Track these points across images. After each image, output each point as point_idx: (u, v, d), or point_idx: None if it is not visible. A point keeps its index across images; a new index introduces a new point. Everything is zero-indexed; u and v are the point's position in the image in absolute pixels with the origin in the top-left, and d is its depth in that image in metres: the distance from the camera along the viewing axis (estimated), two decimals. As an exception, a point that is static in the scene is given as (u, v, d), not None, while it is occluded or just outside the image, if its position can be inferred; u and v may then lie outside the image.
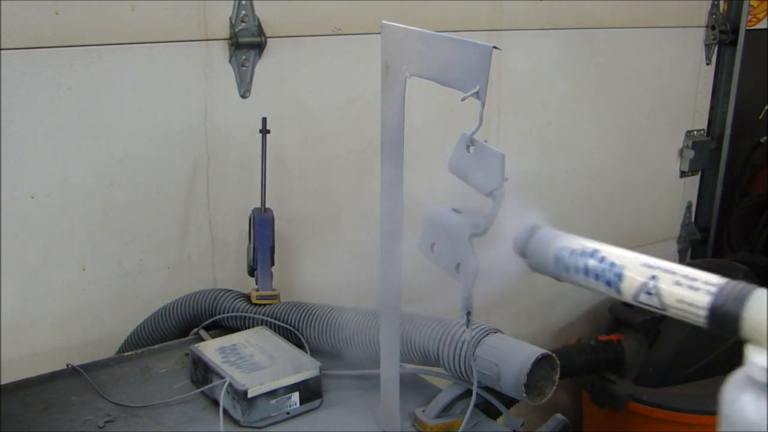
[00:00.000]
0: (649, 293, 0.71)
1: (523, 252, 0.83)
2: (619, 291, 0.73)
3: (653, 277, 0.71)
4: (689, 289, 0.69)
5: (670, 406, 2.00)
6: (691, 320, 0.69)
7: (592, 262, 0.75)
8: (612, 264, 0.74)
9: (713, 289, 0.67)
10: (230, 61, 1.65)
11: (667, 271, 0.71)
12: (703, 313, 0.67)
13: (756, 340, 0.65)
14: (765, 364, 0.63)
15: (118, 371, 1.37)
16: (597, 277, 0.75)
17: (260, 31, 1.64)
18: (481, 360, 1.16)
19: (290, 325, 1.41)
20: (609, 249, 0.76)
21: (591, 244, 0.77)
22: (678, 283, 0.70)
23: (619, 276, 0.73)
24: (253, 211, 1.53)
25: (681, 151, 2.55)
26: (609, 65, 2.27)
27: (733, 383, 0.65)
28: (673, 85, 2.46)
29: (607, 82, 2.29)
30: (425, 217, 0.96)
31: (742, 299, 0.66)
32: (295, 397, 1.23)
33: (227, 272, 1.74)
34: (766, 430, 0.62)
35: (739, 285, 0.67)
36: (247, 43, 1.64)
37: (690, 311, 0.68)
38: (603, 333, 2.21)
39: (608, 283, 0.74)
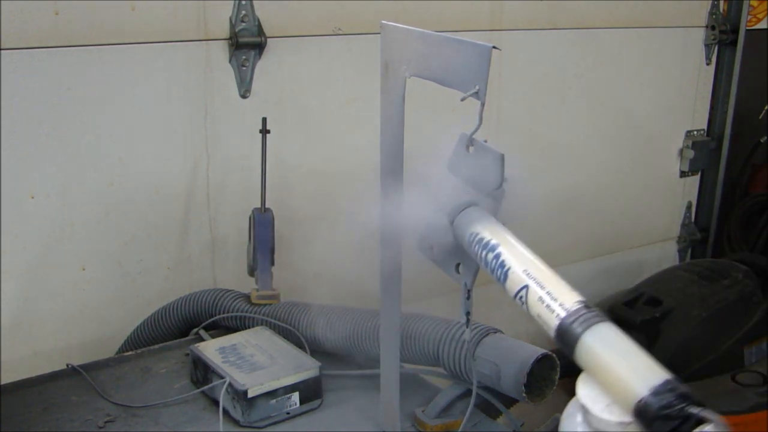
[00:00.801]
0: (521, 300, 0.74)
1: (451, 222, 0.83)
2: (505, 290, 0.76)
3: (525, 287, 0.74)
4: (546, 308, 0.72)
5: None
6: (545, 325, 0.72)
7: (489, 256, 0.77)
8: (502, 263, 0.76)
9: (562, 314, 0.70)
10: (230, 61, 1.65)
11: (539, 284, 0.73)
12: (552, 332, 0.70)
13: (585, 370, 0.68)
14: (586, 393, 0.67)
15: (118, 371, 1.37)
16: (492, 271, 0.77)
17: (260, 31, 1.64)
18: (481, 360, 1.16)
19: (290, 325, 1.41)
20: (512, 246, 0.78)
21: (498, 238, 0.78)
22: (540, 299, 0.72)
23: (505, 277, 0.76)
24: (253, 211, 1.53)
25: (681, 151, 2.55)
26: (609, 65, 2.27)
27: (568, 408, 0.71)
28: (673, 85, 2.47)
29: (607, 82, 2.29)
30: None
31: (582, 329, 0.68)
32: (295, 397, 1.23)
33: (227, 272, 1.74)
34: None
35: (589, 315, 0.69)
36: (247, 43, 1.64)
37: (544, 327, 0.71)
38: (603, 333, 2.21)
39: (498, 280, 0.76)
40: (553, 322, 0.70)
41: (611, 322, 0.70)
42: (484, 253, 0.78)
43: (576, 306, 0.70)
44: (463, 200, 0.84)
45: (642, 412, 0.62)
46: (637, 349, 0.67)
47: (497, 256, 0.77)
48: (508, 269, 0.75)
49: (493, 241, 0.78)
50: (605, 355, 0.67)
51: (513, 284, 0.75)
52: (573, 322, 0.69)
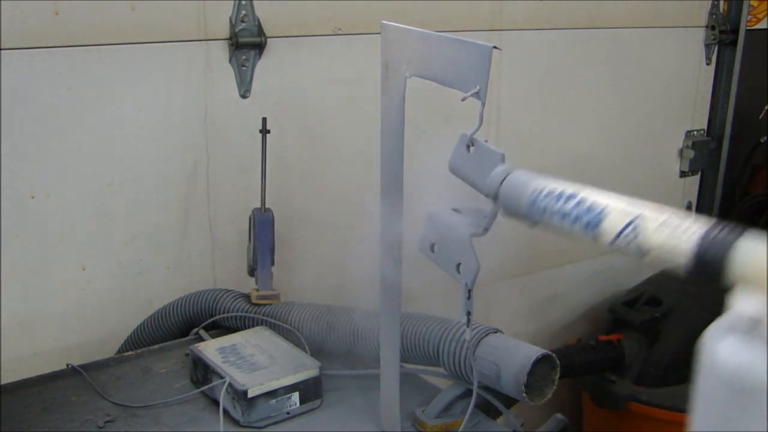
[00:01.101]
0: (627, 238, 0.67)
1: (495, 196, 0.78)
2: (596, 235, 0.69)
3: (636, 219, 0.67)
4: (673, 232, 0.65)
5: (670, 406, 2.00)
6: (671, 265, 0.66)
7: (570, 205, 0.71)
8: (591, 207, 0.69)
9: (702, 229, 0.63)
10: (230, 61, 1.65)
11: (650, 215, 0.67)
12: (687, 254, 0.64)
13: (743, 286, 0.60)
14: (751, 310, 0.59)
15: (118, 371, 1.37)
16: (575, 220, 0.70)
17: (260, 31, 1.64)
18: (481, 360, 1.16)
19: (290, 325, 1.41)
20: (588, 192, 0.72)
21: (572, 188, 0.73)
22: (663, 224, 0.66)
23: (599, 219, 0.69)
24: (253, 211, 1.53)
25: (681, 151, 2.55)
26: (609, 65, 2.27)
27: (713, 332, 0.61)
28: (673, 85, 2.47)
29: (607, 82, 2.29)
30: (425, 218, 0.96)
31: (735, 237, 0.61)
32: (295, 397, 1.23)
33: (227, 272, 1.74)
34: (743, 375, 0.57)
35: (729, 226, 0.62)
36: (247, 43, 1.64)
37: (667, 256, 0.65)
38: (603, 333, 2.21)
39: (587, 227, 0.69)
40: (689, 242, 0.63)
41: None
42: (560, 204, 0.71)
43: (708, 223, 0.63)
44: (498, 170, 0.79)
45: None
46: None
47: (581, 202, 0.70)
48: (604, 209, 0.69)
49: (570, 190, 0.71)
50: None
51: (615, 223, 0.68)
52: (720, 232, 0.62)
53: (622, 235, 0.66)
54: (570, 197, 0.71)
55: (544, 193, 0.73)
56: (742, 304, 0.60)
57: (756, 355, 0.56)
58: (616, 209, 0.68)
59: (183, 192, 1.66)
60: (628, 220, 0.66)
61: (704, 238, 0.62)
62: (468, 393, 1.19)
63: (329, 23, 1.75)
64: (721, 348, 0.60)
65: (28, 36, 1.42)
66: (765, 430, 0.55)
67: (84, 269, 1.58)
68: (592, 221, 0.68)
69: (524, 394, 1.10)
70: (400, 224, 1.01)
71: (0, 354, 1.48)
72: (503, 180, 0.77)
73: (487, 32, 1.97)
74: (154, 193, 1.63)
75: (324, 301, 1.46)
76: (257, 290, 1.48)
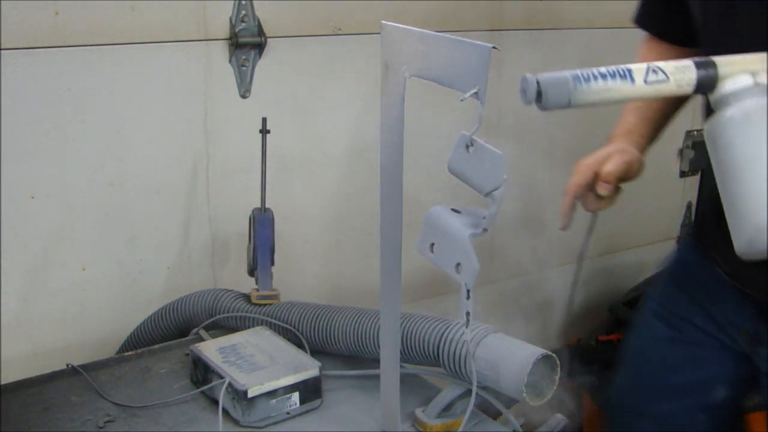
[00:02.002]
0: (654, 72, 0.89)
1: (538, 94, 0.89)
2: (632, 78, 0.89)
3: (659, 66, 0.90)
4: (682, 67, 0.90)
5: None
6: (685, 82, 0.90)
7: (603, 70, 0.90)
8: (619, 67, 0.91)
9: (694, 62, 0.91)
10: (230, 61, 1.65)
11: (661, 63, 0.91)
12: (693, 69, 0.90)
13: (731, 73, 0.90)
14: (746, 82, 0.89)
15: (118, 371, 1.37)
16: (613, 75, 0.89)
17: (260, 31, 1.64)
18: (481, 360, 1.16)
19: (290, 325, 1.41)
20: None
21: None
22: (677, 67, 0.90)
23: (629, 70, 0.90)
24: (253, 211, 1.53)
25: (681, 151, 2.55)
26: (609, 65, 2.27)
27: (714, 118, 0.90)
28: (673, 85, 2.46)
29: (607, 82, 2.29)
30: (424, 217, 0.96)
31: (711, 63, 0.90)
32: (295, 397, 1.23)
33: (227, 272, 1.74)
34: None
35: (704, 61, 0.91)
36: (247, 43, 1.64)
37: (684, 71, 0.90)
38: (603, 333, 2.21)
39: (623, 76, 0.89)
40: (691, 73, 0.90)
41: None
42: (597, 72, 0.90)
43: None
44: (531, 82, 0.89)
45: None
46: None
47: (609, 67, 0.91)
48: (628, 67, 0.91)
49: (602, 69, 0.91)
50: None
51: (640, 68, 0.90)
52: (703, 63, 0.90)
53: (649, 72, 0.89)
54: (597, 70, 0.90)
55: (583, 70, 0.90)
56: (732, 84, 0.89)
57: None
58: (635, 65, 0.91)
59: (183, 192, 1.66)
60: (647, 66, 0.90)
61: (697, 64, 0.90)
62: (468, 393, 1.19)
63: (329, 23, 1.75)
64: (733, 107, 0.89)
65: (28, 36, 1.42)
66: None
67: (84, 269, 1.58)
68: (624, 72, 0.90)
69: (524, 394, 1.10)
70: (400, 224, 1.01)
71: (0, 354, 1.49)
72: (539, 82, 0.88)
73: (487, 32, 1.97)
74: (154, 193, 1.63)
75: (324, 301, 1.46)
76: (257, 290, 1.48)
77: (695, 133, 2.55)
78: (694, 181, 2.64)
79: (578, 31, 2.17)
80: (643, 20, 1.51)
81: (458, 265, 0.90)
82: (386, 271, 1.06)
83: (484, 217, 0.86)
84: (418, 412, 1.21)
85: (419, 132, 1.86)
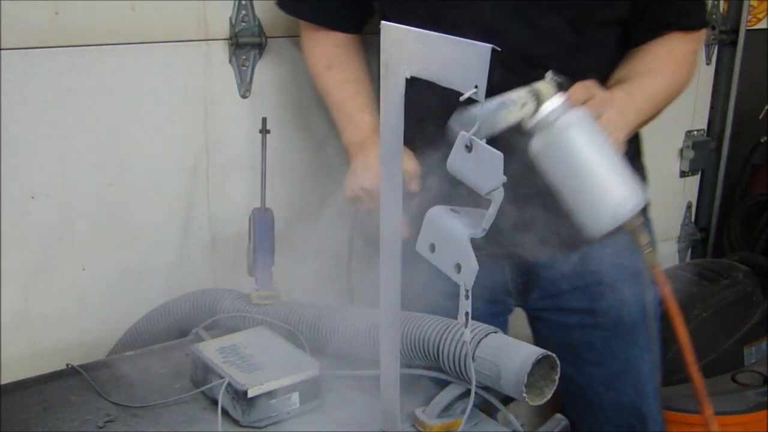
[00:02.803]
0: (524, 104, 1.04)
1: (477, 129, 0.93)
2: (516, 110, 1.04)
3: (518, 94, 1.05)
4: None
5: (670, 406, 2.00)
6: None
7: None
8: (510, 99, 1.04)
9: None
10: (230, 61, 1.65)
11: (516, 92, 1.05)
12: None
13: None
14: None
15: (118, 371, 1.37)
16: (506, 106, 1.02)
17: (260, 31, 1.64)
18: (481, 360, 1.16)
19: (290, 325, 1.41)
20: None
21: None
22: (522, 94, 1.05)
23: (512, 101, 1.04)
24: (253, 211, 1.53)
25: (681, 151, 2.55)
26: (609, 65, 2.27)
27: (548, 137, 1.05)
28: (673, 85, 2.46)
29: (607, 82, 2.29)
30: (424, 218, 0.96)
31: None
32: (295, 397, 1.23)
33: (227, 272, 1.74)
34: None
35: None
36: (247, 43, 1.64)
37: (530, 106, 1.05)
38: (603, 333, 2.21)
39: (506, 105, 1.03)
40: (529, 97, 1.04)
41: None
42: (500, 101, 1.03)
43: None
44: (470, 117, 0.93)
45: None
46: None
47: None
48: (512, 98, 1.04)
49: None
50: None
51: (518, 99, 1.04)
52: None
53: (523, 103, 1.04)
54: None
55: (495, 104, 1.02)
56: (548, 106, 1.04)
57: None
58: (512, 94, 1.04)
59: (183, 192, 1.66)
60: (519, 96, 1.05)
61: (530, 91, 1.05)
62: (468, 393, 1.19)
63: (329, 23, 1.74)
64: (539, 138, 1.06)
65: (28, 36, 1.42)
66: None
67: (84, 269, 1.58)
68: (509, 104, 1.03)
69: (524, 394, 1.10)
70: (400, 224, 1.01)
71: (0, 354, 1.49)
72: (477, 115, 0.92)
73: (487, 32, 1.97)
74: (154, 193, 1.63)
75: (324, 301, 1.46)
76: (257, 290, 1.48)
77: (695, 133, 2.56)
78: (694, 181, 2.64)
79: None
80: (302, 8, 1.55)
81: (457, 265, 0.90)
82: (386, 271, 1.05)
83: (484, 218, 0.86)
84: (418, 412, 1.21)
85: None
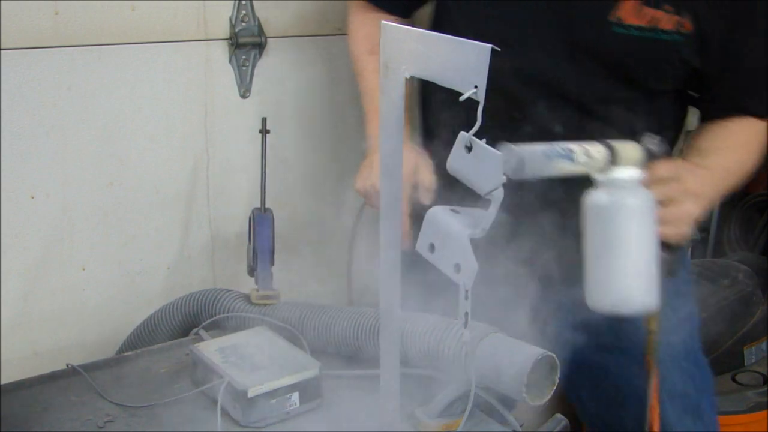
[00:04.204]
0: (586, 154, 1.01)
1: (519, 170, 0.95)
2: (575, 161, 1.00)
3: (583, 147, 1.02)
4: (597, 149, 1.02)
5: None
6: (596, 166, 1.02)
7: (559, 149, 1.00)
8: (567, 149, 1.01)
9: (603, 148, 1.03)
10: (230, 61, 1.65)
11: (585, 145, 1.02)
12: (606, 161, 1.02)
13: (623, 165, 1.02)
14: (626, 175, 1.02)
15: (118, 371, 1.37)
16: (563, 156, 0.99)
17: (260, 31, 1.64)
18: (481, 360, 1.16)
19: (290, 325, 1.41)
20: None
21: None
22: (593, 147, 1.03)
23: (572, 152, 1.00)
24: (253, 211, 1.53)
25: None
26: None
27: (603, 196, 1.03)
28: (674, 84, 2.46)
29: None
30: (424, 218, 0.96)
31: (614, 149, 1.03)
32: (295, 397, 1.23)
33: (227, 272, 1.74)
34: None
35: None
36: (247, 43, 1.64)
37: (601, 163, 1.02)
38: (603, 333, 2.21)
39: (570, 159, 1.00)
40: (603, 153, 1.01)
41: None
42: (555, 151, 1.00)
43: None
44: (514, 154, 0.94)
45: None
46: None
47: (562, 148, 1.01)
48: (570, 149, 1.00)
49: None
50: None
51: (580, 153, 1.00)
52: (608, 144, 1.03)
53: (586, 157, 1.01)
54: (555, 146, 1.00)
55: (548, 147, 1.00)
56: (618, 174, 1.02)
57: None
58: (573, 146, 1.01)
59: (183, 192, 1.66)
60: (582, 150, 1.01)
61: (606, 148, 1.02)
62: (468, 393, 1.19)
63: (329, 23, 1.75)
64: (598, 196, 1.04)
65: (28, 36, 1.42)
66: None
67: (84, 269, 1.58)
68: (571, 156, 1.00)
69: (524, 394, 1.10)
70: (400, 224, 1.01)
71: (0, 354, 1.49)
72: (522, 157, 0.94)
73: (487, 32, 1.97)
74: (154, 193, 1.63)
75: (324, 301, 1.46)
76: (257, 290, 1.48)
77: (696, 133, 2.55)
78: (695, 181, 2.63)
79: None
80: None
81: (457, 265, 0.90)
82: (386, 271, 1.05)
83: (484, 218, 0.86)
84: (418, 412, 1.21)
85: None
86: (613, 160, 1.01)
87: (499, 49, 0.79)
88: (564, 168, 0.98)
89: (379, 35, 1.49)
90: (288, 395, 1.22)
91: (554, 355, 1.13)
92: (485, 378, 1.16)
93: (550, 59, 1.31)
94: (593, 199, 1.03)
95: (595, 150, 1.01)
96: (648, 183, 1.04)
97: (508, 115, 1.27)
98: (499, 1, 1.33)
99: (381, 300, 1.08)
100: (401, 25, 0.93)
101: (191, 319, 1.52)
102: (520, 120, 1.25)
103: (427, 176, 1.32)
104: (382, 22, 0.95)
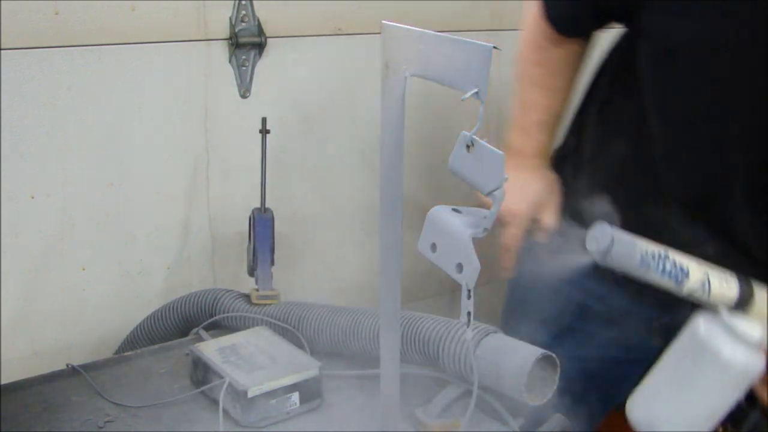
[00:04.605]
0: (704, 289, 0.97)
1: (605, 253, 0.94)
2: (682, 286, 0.98)
3: (707, 279, 0.98)
4: (726, 286, 0.99)
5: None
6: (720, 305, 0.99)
7: (668, 264, 0.97)
8: (681, 267, 0.98)
9: (736, 284, 1.00)
10: (230, 61, 1.65)
11: (709, 274, 0.99)
12: (733, 301, 0.98)
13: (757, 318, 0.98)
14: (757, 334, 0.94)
15: (118, 371, 1.37)
16: (669, 275, 0.97)
17: (260, 31, 1.64)
18: (481, 360, 1.16)
19: (290, 325, 1.41)
20: (672, 251, 0.99)
21: (660, 248, 0.99)
22: (721, 282, 0.99)
23: (686, 276, 0.97)
24: (253, 211, 1.53)
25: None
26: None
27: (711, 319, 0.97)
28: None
29: (607, 82, 2.29)
30: (425, 217, 0.96)
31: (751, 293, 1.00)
32: (295, 397, 1.23)
33: (227, 272, 1.74)
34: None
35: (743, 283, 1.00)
36: (247, 43, 1.64)
37: (723, 301, 0.98)
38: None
39: (677, 280, 0.97)
40: (733, 293, 0.98)
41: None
42: (662, 264, 0.97)
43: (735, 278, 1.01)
44: (602, 231, 0.95)
45: None
46: None
47: (674, 263, 0.98)
48: (688, 270, 0.98)
49: (662, 251, 0.98)
50: None
51: (696, 280, 0.98)
52: (747, 283, 1.00)
53: (702, 288, 0.98)
54: (665, 258, 0.98)
55: (648, 253, 0.97)
56: (749, 329, 0.94)
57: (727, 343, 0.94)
58: (694, 269, 0.99)
59: (183, 192, 1.66)
60: (702, 280, 0.98)
61: (740, 286, 0.99)
62: (468, 393, 1.19)
63: (329, 23, 1.75)
64: (708, 329, 0.97)
65: (28, 36, 1.42)
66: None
67: (84, 269, 1.58)
68: (679, 277, 0.97)
69: (524, 394, 1.10)
70: (400, 224, 1.01)
71: (0, 354, 1.49)
72: (612, 241, 0.94)
73: (487, 32, 1.97)
74: (154, 193, 1.63)
75: (324, 301, 1.46)
76: (257, 290, 1.48)
77: (695, 133, 2.55)
78: (694, 181, 2.63)
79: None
80: (565, 24, 1.41)
81: (459, 265, 0.90)
82: (386, 271, 1.06)
83: (485, 217, 0.86)
84: (418, 412, 1.21)
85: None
86: (742, 304, 0.95)
87: (500, 49, 0.79)
88: (665, 284, 0.94)
89: (549, 51, 1.42)
90: (288, 395, 1.22)
91: (554, 355, 1.13)
92: (485, 378, 1.16)
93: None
94: (705, 334, 0.95)
95: (723, 284, 0.95)
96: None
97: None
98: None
99: (381, 300, 1.08)
100: (402, 25, 0.93)
101: (191, 319, 1.52)
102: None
103: (551, 217, 1.28)
104: (383, 21, 0.95)
